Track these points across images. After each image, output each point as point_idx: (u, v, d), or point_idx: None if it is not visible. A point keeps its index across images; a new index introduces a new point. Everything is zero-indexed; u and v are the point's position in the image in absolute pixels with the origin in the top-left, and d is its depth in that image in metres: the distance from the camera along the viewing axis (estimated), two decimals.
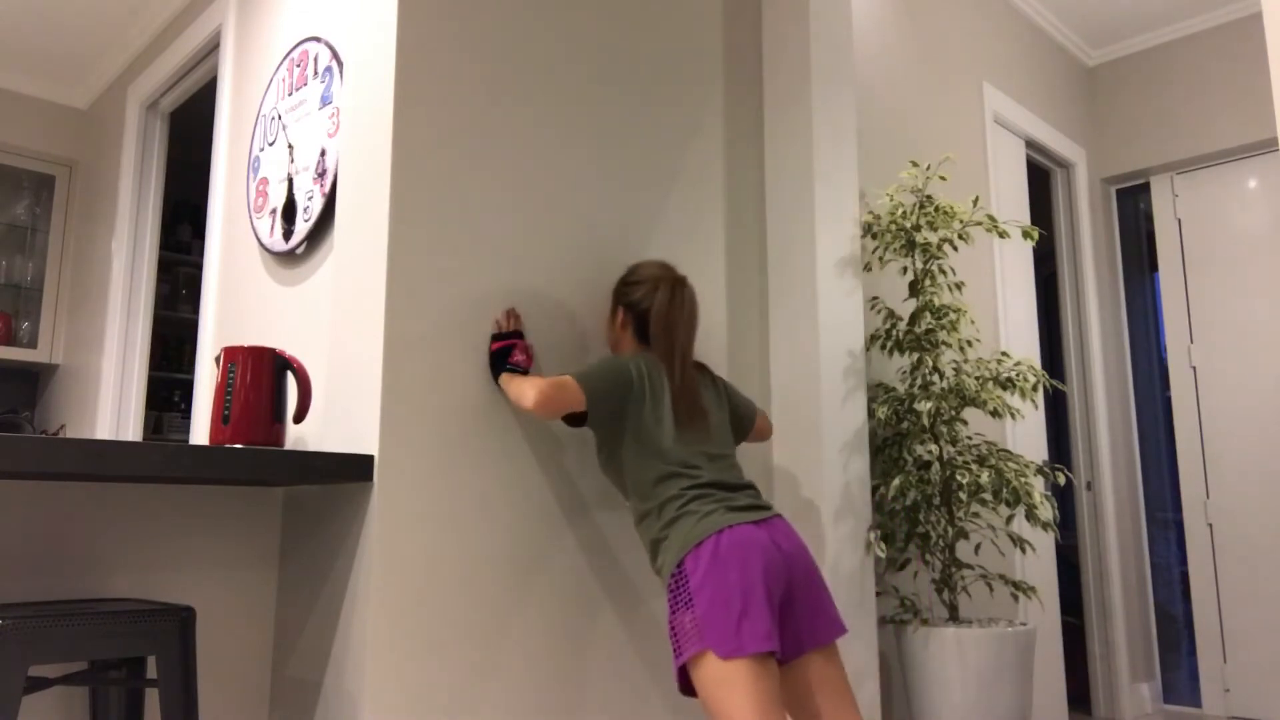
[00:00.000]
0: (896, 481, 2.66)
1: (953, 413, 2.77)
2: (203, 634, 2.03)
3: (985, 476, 2.64)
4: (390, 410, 1.92)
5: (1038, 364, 4.07)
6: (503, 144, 2.19)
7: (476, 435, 2.05)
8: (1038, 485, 2.77)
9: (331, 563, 1.99)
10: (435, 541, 1.95)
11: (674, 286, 2.11)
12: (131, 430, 3.72)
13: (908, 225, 2.87)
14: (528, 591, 2.10)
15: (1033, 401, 2.83)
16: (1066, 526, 4.39)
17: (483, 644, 2.00)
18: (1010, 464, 2.70)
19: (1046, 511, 2.71)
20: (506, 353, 2.06)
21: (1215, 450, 4.41)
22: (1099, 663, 4.25)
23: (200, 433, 2.88)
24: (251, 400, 2.06)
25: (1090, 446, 4.42)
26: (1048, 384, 2.98)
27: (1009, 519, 2.74)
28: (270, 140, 2.72)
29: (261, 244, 2.67)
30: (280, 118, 2.69)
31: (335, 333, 2.10)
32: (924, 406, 2.68)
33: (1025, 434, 3.90)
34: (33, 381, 4.57)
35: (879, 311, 3.05)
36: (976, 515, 2.81)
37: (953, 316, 2.84)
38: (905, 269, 2.95)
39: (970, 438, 2.95)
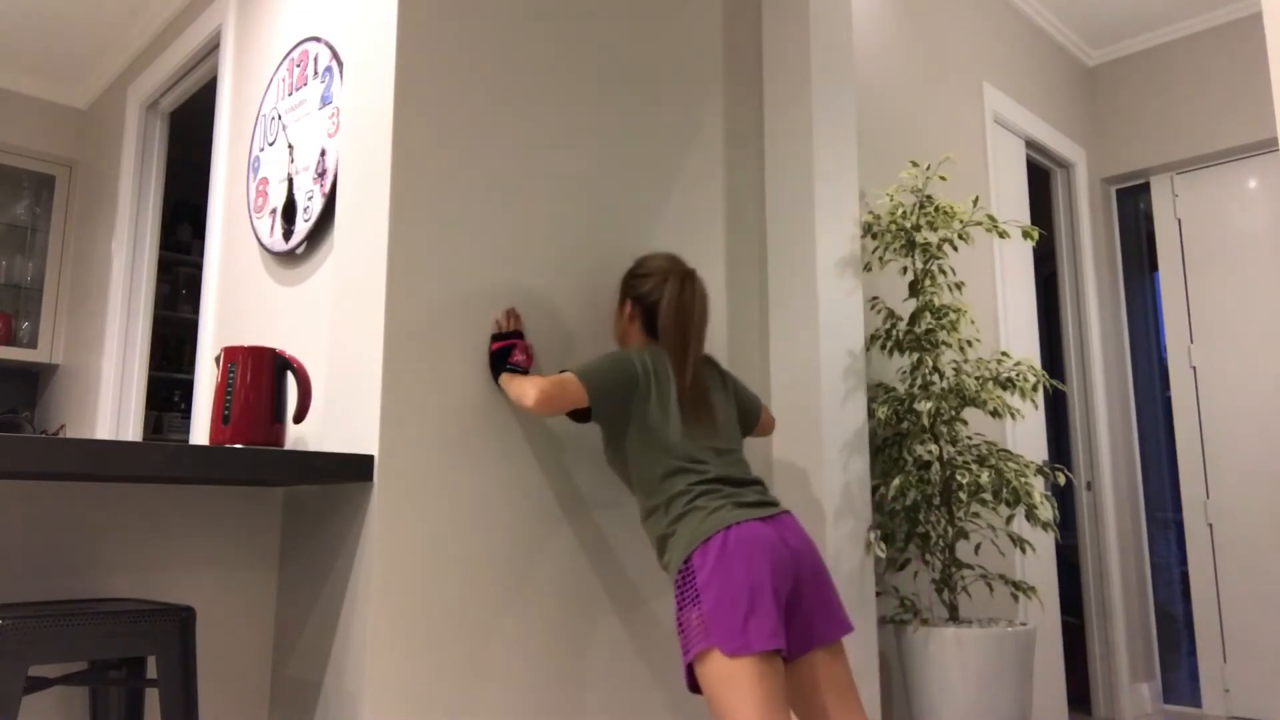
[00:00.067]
0: (896, 481, 2.66)
1: (953, 413, 2.77)
2: (203, 634, 2.03)
3: (985, 476, 2.64)
4: (390, 410, 1.92)
5: (1038, 364, 4.07)
6: (503, 144, 2.19)
7: (476, 435, 2.05)
8: (1038, 485, 2.77)
9: (331, 563, 1.99)
10: (435, 541, 1.95)
11: (683, 279, 2.08)
12: (131, 430, 3.72)
13: (908, 225, 2.87)
14: (528, 591, 2.10)
15: (1033, 401, 2.83)
16: (1066, 526, 4.39)
17: (483, 644, 2.00)
18: (1010, 464, 2.70)
19: (1046, 511, 2.71)
20: (506, 353, 2.06)
21: (1215, 450, 4.41)
22: (1099, 663, 4.25)
23: (200, 433, 2.88)
24: (251, 400, 2.06)
25: (1090, 446, 4.42)
26: (1048, 384, 2.98)
27: (1009, 519, 2.74)
28: (270, 140, 2.72)
29: (261, 244, 2.67)
30: (280, 118, 2.69)
31: (335, 333, 2.10)
32: (924, 406, 2.68)
33: (1025, 434, 3.90)
34: (33, 381, 4.57)
35: (879, 311, 3.05)
36: (976, 515, 2.81)
37: (953, 316, 2.84)
38: (905, 269, 2.95)
39: (970, 438, 2.95)
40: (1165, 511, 4.73)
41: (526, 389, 1.95)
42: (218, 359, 2.12)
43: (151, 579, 1.97)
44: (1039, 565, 3.79)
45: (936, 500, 2.75)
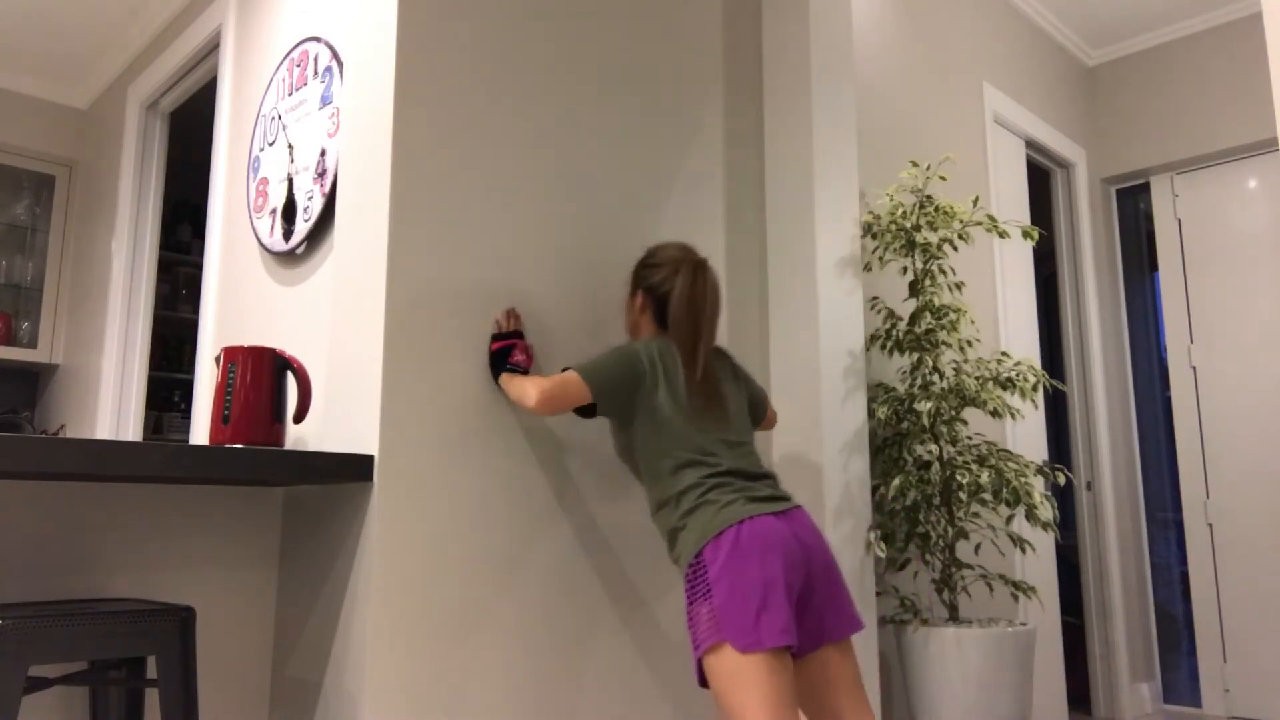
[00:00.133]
0: (896, 481, 2.66)
1: (953, 413, 2.77)
2: (203, 634, 2.03)
3: (985, 476, 2.64)
4: (390, 410, 1.92)
5: (1038, 364, 4.07)
6: (503, 144, 2.19)
7: (476, 435, 2.05)
8: (1038, 485, 2.77)
9: (331, 563, 1.99)
10: (435, 541, 1.95)
11: (695, 270, 2.05)
12: (131, 430, 3.72)
13: (908, 225, 2.87)
14: (528, 591, 2.10)
15: (1033, 401, 2.83)
16: (1066, 526, 4.39)
17: (483, 643, 2.00)
18: (1010, 464, 2.70)
19: (1046, 511, 2.71)
20: (506, 353, 2.06)
21: (1215, 450, 4.41)
22: (1099, 663, 4.25)
23: (200, 433, 2.88)
24: (251, 400, 2.06)
25: (1090, 446, 4.42)
26: (1048, 384, 2.98)
27: (1009, 519, 2.74)
28: (270, 140, 2.72)
29: (261, 244, 2.67)
30: (280, 118, 2.69)
31: (335, 333, 2.10)
32: (924, 406, 2.68)
33: (1025, 434, 3.90)
34: (33, 381, 4.57)
35: (879, 311, 3.05)
36: (976, 515, 2.81)
37: (953, 316, 2.84)
38: (905, 269, 2.95)
39: (970, 438, 2.95)
40: (1165, 511, 4.73)
41: (528, 389, 1.95)
42: (218, 359, 2.12)
43: (151, 579, 1.97)
44: (1039, 565, 3.79)
45: (936, 500, 2.75)
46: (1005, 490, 2.64)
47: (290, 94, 2.66)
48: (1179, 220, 4.65)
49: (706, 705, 2.43)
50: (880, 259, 3.02)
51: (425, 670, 1.90)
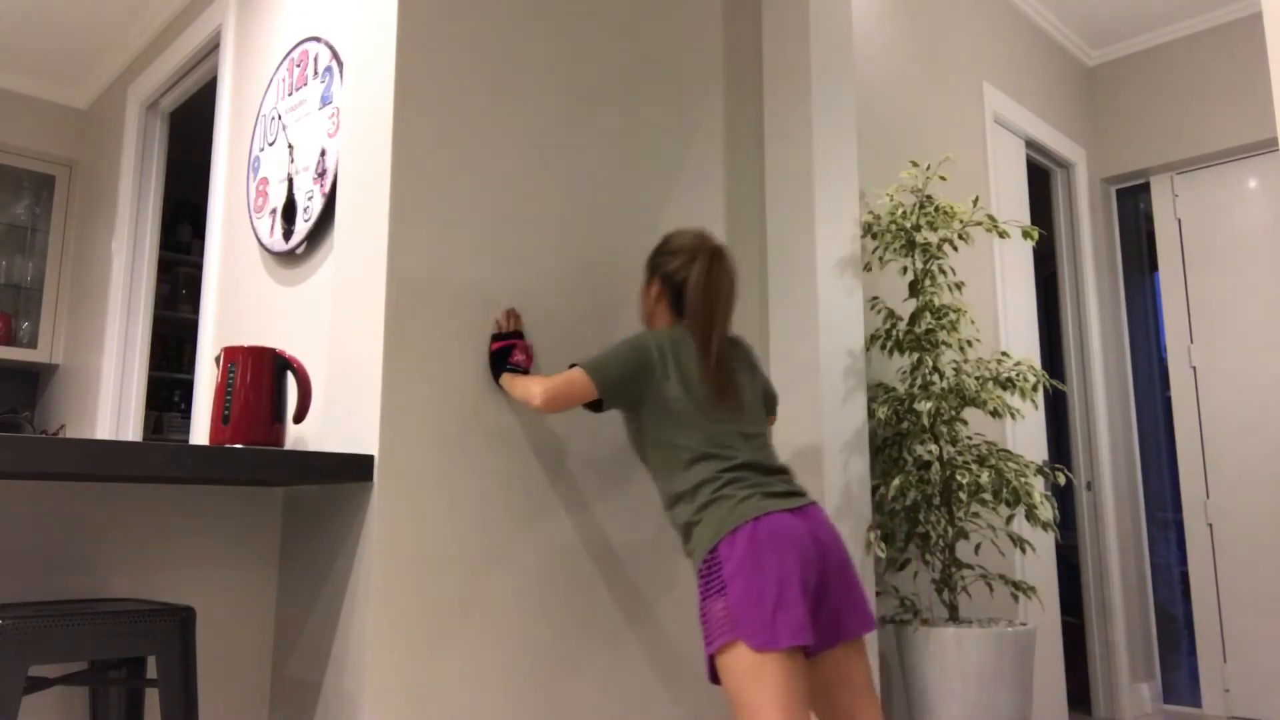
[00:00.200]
0: (896, 481, 2.66)
1: (953, 413, 2.77)
2: (203, 634, 2.03)
3: (985, 476, 2.64)
4: (390, 410, 1.92)
5: (1038, 364, 4.07)
6: (502, 144, 2.19)
7: (476, 435, 2.05)
8: (1038, 485, 2.77)
9: (331, 563, 1.99)
10: (435, 541, 1.95)
11: (712, 257, 2.01)
12: (131, 430, 3.72)
13: (908, 225, 2.87)
14: (528, 591, 2.10)
15: (1033, 401, 2.83)
16: (1066, 526, 4.39)
17: (483, 643, 2.00)
18: (1010, 464, 2.70)
19: (1046, 511, 2.71)
20: (506, 353, 2.06)
21: (1215, 450, 4.41)
22: (1099, 663, 4.25)
23: (200, 433, 2.88)
24: (251, 400, 2.06)
25: (1090, 446, 4.42)
26: (1048, 384, 2.98)
27: (1009, 519, 2.74)
28: (270, 140, 2.72)
29: (261, 244, 2.67)
30: (280, 118, 2.69)
31: (335, 333, 2.10)
32: (924, 406, 2.68)
33: (1025, 434, 3.90)
34: (33, 381, 4.57)
35: (879, 311, 3.05)
36: (976, 515, 2.81)
37: (953, 316, 2.84)
38: (905, 269, 2.95)
39: (970, 438, 2.95)
40: (1165, 511, 4.73)
41: (532, 388, 1.94)
42: (218, 359, 2.12)
43: (151, 579, 1.97)
44: (1039, 565, 3.79)
45: (936, 500, 2.75)
46: (1005, 490, 2.64)
47: (290, 94, 2.66)
48: (1179, 220, 4.65)
49: (710, 704, 2.43)
50: (880, 259, 3.02)
51: (425, 670, 1.90)
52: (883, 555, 2.66)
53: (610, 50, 2.47)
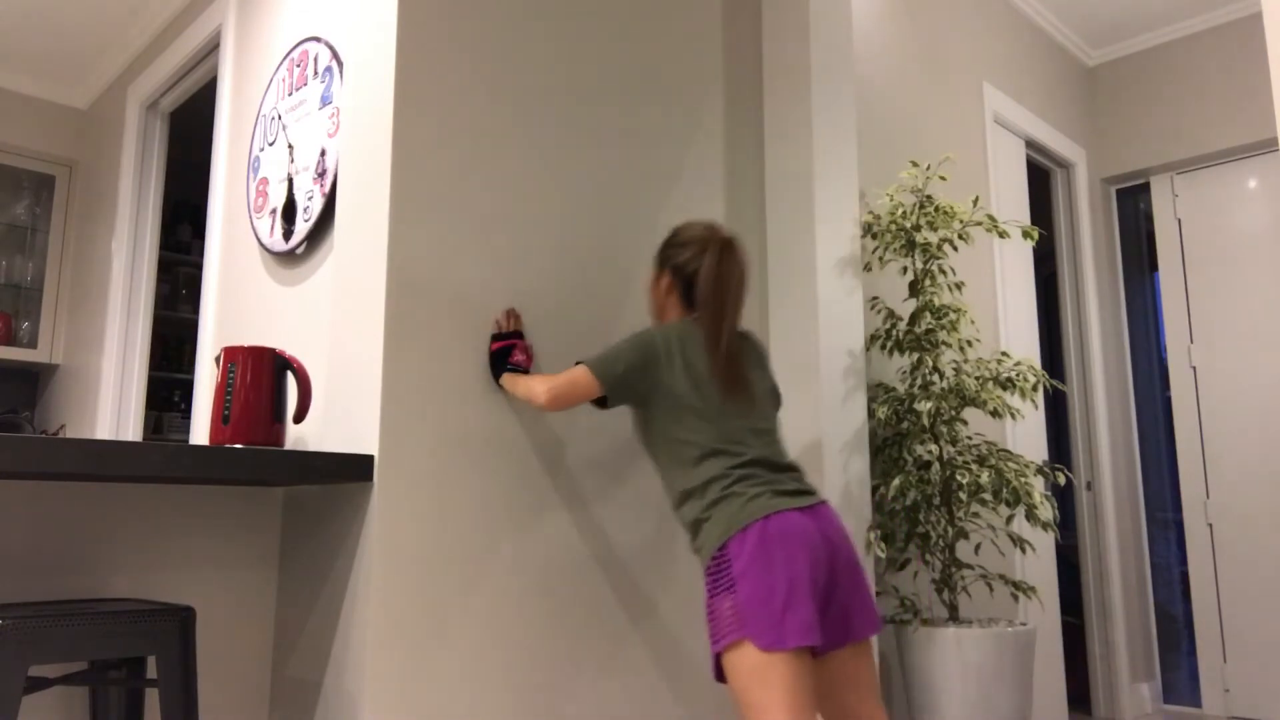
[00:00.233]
0: (896, 481, 2.66)
1: (953, 413, 2.77)
2: (203, 634, 2.03)
3: (985, 476, 2.64)
4: (390, 410, 1.92)
5: (1038, 364, 4.07)
6: (502, 144, 2.19)
7: (476, 435, 2.05)
8: (1038, 485, 2.77)
9: (331, 563, 1.99)
10: (435, 541, 1.95)
11: (723, 247, 1.97)
12: (131, 430, 3.72)
13: (908, 225, 2.87)
14: (529, 591, 2.10)
15: (1033, 401, 2.83)
16: (1066, 526, 4.39)
17: (483, 643, 2.00)
18: (1010, 464, 2.70)
19: (1046, 511, 2.71)
20: (506, 353, 2.06)
21: (1215, 450, 4.41)
22: (1099, 663, 4.25)
23: (200, 433, 2.88)
24: (251, 400, 2.06)
25: (1090, 446, 4.42)
26: (1048, 384, 2.98)
27: (1009, 519, 2.74)
28: (270, 140, 2.72)
29: (261, 244, 2.67)
30: (280, 118, 2.69)
31: (335, 333, 2.10)
32: (924, 406, 2.68)
33: (1025, 434, 3.90)
34: (33, 381, 4.57)
35: (879, 311, 3.05)
36: (976, 515, 2.81)
37: (953, 316, 2.84)
38: (905, 269, 2.95)
39: (970, 438, 2.95)
40: (1165, 511, 4.73)
41: (535, 388, 1.93)
42: (218, 359, 2.12)
43: (151, 579, 1.97)
44: (1039, 565, 3.79)
45: (936, 500, 2.75)
46: (1005, 490, 2.64)
47: (290, 94, 2.66)
48: (1179, 220, 4.65)
49: (713, 704, 2.43)
50: (880, 259, 3.02)
51: (425, 670, 1.90)
52: (883, 555, 2.66)
53: (610, 50, 2.47)
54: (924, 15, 3.73)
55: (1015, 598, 2.76)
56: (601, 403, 1.97)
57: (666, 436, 1.90)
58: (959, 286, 2.99)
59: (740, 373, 1.92)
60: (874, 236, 2.96)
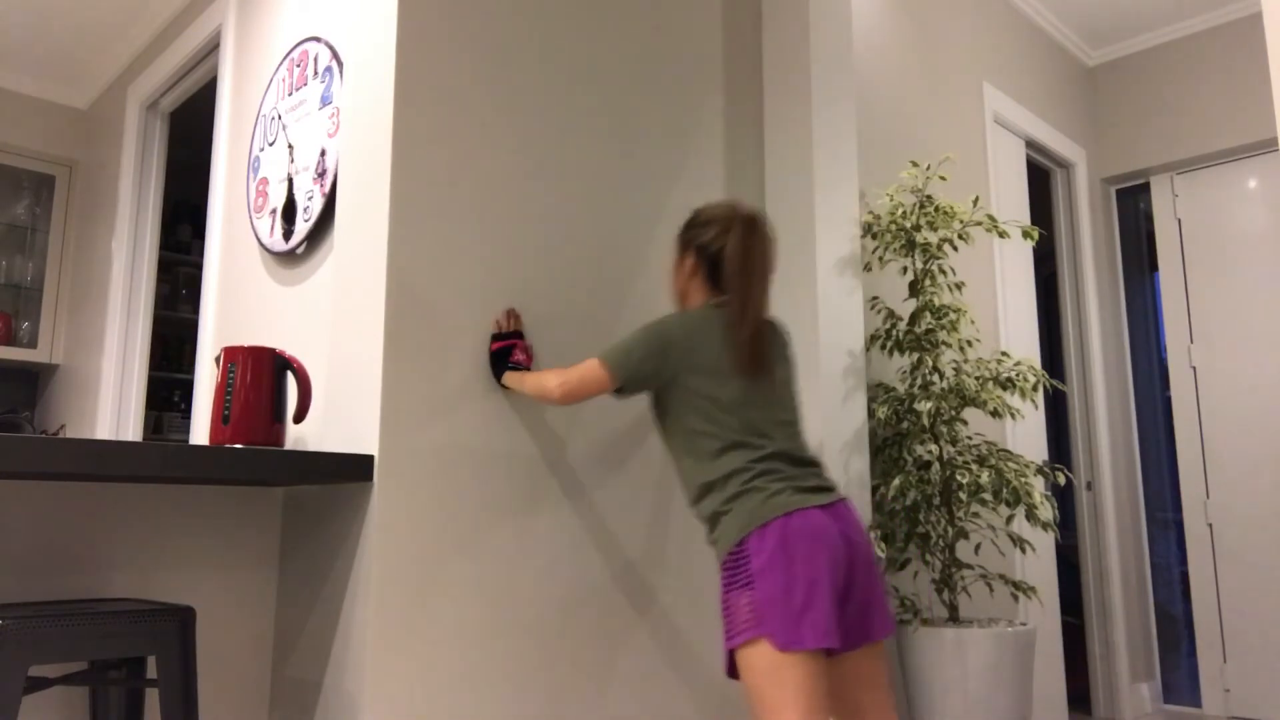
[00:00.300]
0: (896, 481, 2.66)
1: (953, 413, 2.77)
2: (203, 634, 2.03)
3: (985, 476, 2.64)
4: (390, 410, 1.92)
5: (1038, 364, 4.07)
6: (502, 144, 2.19)
7: (476, 435, 2.05)
8: (1038, 485, 2.77)
9: (331, 563, 1.99)
10: (435, 542, 1.95)
11: (747, 224, 1.90)
12: (131, 430, 3.72)
13: (908, 225, 2.87)
14: (529, 591, 2.10)
15: (1033, 401, 2.83)
16: (1066, 526, 4.39)
17: (483, 643, 2.00)
18: (1010, 464, 2.70)
19: (1046, 511, 2.71)
20: (507, 353, 2.06)
21: (1215, 450, 4.41)
22: (1099, 663, 4.25)
23: (200, 433, 2.88)
24: (251, 400, 2.06)
25: (1090, 446, 4.42)
26: (1048, 384, 2.98)
27: (1009, 519, 2.74)
28: (270, 140, 2.72)
29: (261, 244, 2.67)
30: (280, 118, 2.69)
31: (335, 333, 2.10)
32: (924, 406, 2.68)
33: (1025, 434, 3.90)
34: (33, 381, 4.57)
35: (879, 311, 3.05)
36: (976, 515, 2.81)
37: (953, 316, 2.84)
38: (905, 269, 2.95)
39: (970, 438, 2.95)
40: (1165, 511, 4.73)
41: (547, 383, 1.91)
42: (218, 359, 2.12)
43: (151, 579, 1.97)
44: (1039, 565, 3.79)
45: (936, 500, 2.75)
46: (1005, 490, 2.64)
47: (290, 94, 2.66)
48: (1179, 220, 4.65)
49: (717, 703, 2.42)
50: (880, 259, 3.02)
51: (425, 670, 1.90)
52: (883, 555, 2.66)
53: (610, 50, 2.47)
54: (924, 15, 3.73)
55: (1015, 598, 2.76)
56: (619, 391, 1.92)
57: (685, 427, 1.85)
58: (959, 286, 2.99)
59: (764, 360, 1.86)
60: (874, 236, 2.96)
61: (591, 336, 2.31)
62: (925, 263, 2.88)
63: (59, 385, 4.33)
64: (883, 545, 2.65)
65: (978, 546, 3.01)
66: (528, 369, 2.05)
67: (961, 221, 2.87)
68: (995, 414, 2.74)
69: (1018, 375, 2.81)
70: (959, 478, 2.65)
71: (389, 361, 1.93)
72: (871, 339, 2.97)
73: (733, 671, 1.76)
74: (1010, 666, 2.53)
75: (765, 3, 2.92)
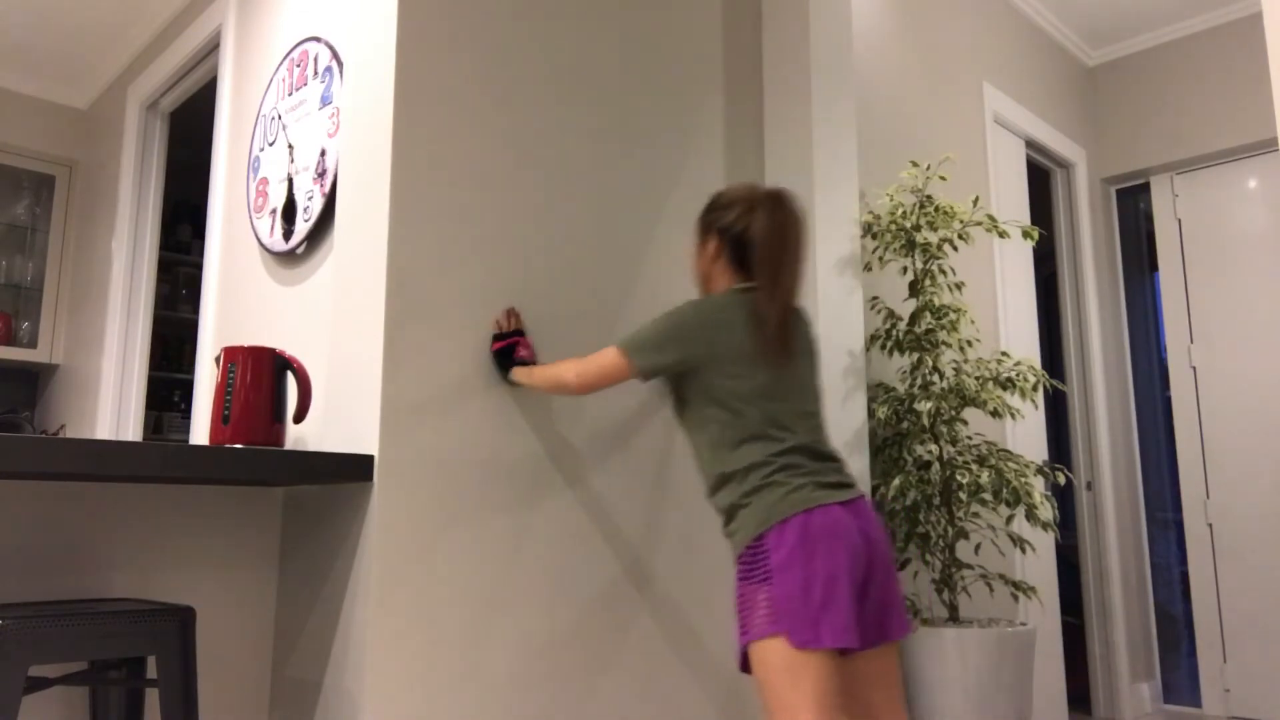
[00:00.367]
0: (896, 481, 2.66)
1: (953, 413, 2.77)
2: (203, 634, 2.03)
3: (985, 476, 2.64)
4: (390, 410, 1.92)
5: (1038, 364, 4.07)
6: (502, 144, 2.19)
7: (477, 435, 2.05)
8: (1038, 485, 2.77)
9: (331, 563, 1.99)
10: (435, 541, 1.95)
11: (774, 203, 1.84)
12: (131, 430, 3.72)
13: (908, 225, 2.87)
14: (529, 591, 2.10)
15: (1033, 401, 2.83)
16: (1066, 526, 4.39)
17: (482, 643, 2.00)
18: (1010, 464, 2.70)
19: (1046, 511, 2.71)
20: (511, 350, 2.06)
21: (1215, 450, 4.41)
22: (1099, 663, 4.25)
23: (200, 433, 2.88)
24: (251, 400, 2.06)
25: (1090, 446, 4.42)
26: (1048, 384, 2.98)
27: (1009, 519, 2.74)
28: (270, 140, 2.72)
29: (261, 244, 2.67)
30: (280, 118, 2.69)
31: (335, 333, 2.10)
32: (924, 406, 2.68)
33: (1025, 434, 3.90)
34: (33, 381, 4.57)
35: (879, 311, 3.05)
36: (976, 515, 2.81)
37: (953, 316, 2.84)
38: (905, 269, 2.95)
39: (970, 438, 2.95)
40: (1165, 511, 4.73)
41: (564, 375, 1.90)
42: (218, 359, 2.12)
43: (151, 579, 1.97)
44: (1039, 565, 3.79)
45: (936, 500, 2.75)
46: (1005, 490, 2.64)
47: (290, 94, 2.66)
48: (1179, 220, 4.65)
49: (721, 702, 2.42)
50: (880, 259, 3.02)
51: (425, 670, 1.90)
52: None
53: (611, 50, 2.47)
54: (924, 15, 3.73)
55: (1015, 598, 2.76)
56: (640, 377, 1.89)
57: (704, 417, 1.81)
58: (959, 286, 2.99)
59: (790, 348, 1.82)
60: (874, 236, 2.96)
61: (591, 336, 2.31)
62: (925, 263, 2.88)
63: (59, 385, 4.33)
64: None
65: (978, 546, 3.01)
66: (533, 365, 2.05)
67: (961, 221, 2.87)
68: (995, 414, 2.74)
69: (1018, 375, 2.81)
70: (959, 478, 2.65)
71: (389, 361, 1.93)
72: (871, 339, 2.97)
73: (745, 666, 1.73)
74: (1010, 666, 2.53)
75: (765, 3, 2.92)
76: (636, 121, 2.51)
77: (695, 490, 2.49)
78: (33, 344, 4.35)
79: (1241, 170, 4.49)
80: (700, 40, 2.73)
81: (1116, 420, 4.58)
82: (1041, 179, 4.70)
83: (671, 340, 1.81)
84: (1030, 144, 4.38)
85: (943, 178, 2.98)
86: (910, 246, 2.87)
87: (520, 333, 2.09)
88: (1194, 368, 4.52)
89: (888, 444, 2.84)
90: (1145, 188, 4.81)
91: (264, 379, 2.09)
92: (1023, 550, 2.80)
